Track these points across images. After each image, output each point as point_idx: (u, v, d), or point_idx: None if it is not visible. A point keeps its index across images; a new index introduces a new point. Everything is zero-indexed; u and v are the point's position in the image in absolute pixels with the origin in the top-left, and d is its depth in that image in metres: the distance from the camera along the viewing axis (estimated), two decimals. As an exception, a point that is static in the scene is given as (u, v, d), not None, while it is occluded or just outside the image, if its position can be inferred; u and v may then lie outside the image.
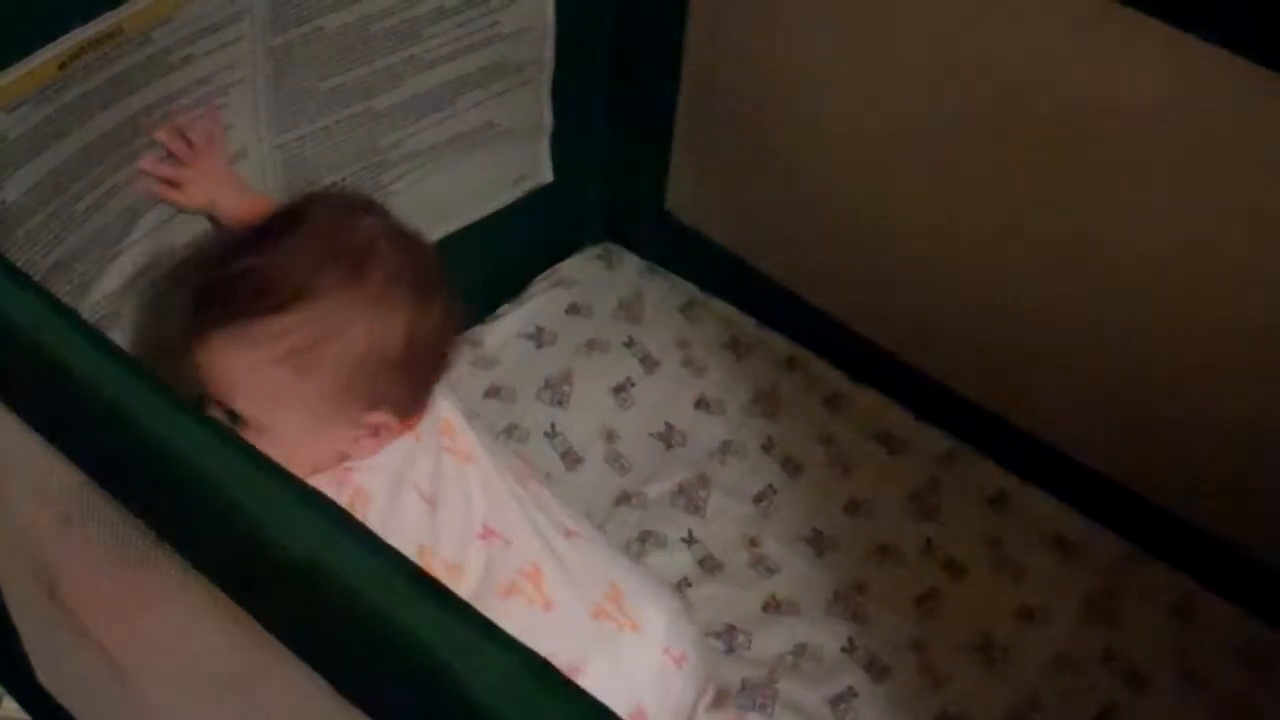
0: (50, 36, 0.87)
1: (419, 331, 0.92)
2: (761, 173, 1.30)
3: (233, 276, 0.90)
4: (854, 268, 1.27)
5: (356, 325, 0.89)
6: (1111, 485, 1.19)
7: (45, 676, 1.02)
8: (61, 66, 0.88)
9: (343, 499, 0.89)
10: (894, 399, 1.30)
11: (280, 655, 0.58)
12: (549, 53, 1.26)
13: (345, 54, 1.08)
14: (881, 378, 1.30)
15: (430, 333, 0.93)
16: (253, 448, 0.56)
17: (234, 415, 0.90)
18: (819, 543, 1.21)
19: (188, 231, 1.06)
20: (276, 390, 0.89)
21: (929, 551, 1.21)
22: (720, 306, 1.38)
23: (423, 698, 0.50)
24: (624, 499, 1.23)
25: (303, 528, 0.53)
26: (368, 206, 0.96)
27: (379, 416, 0.92)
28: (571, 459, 1.25)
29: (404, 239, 0.94)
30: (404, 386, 0.93)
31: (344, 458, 0.92)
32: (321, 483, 0.87)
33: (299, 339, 0.88)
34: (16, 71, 0.86)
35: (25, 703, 1.10)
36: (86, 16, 0.88)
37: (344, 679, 0.55)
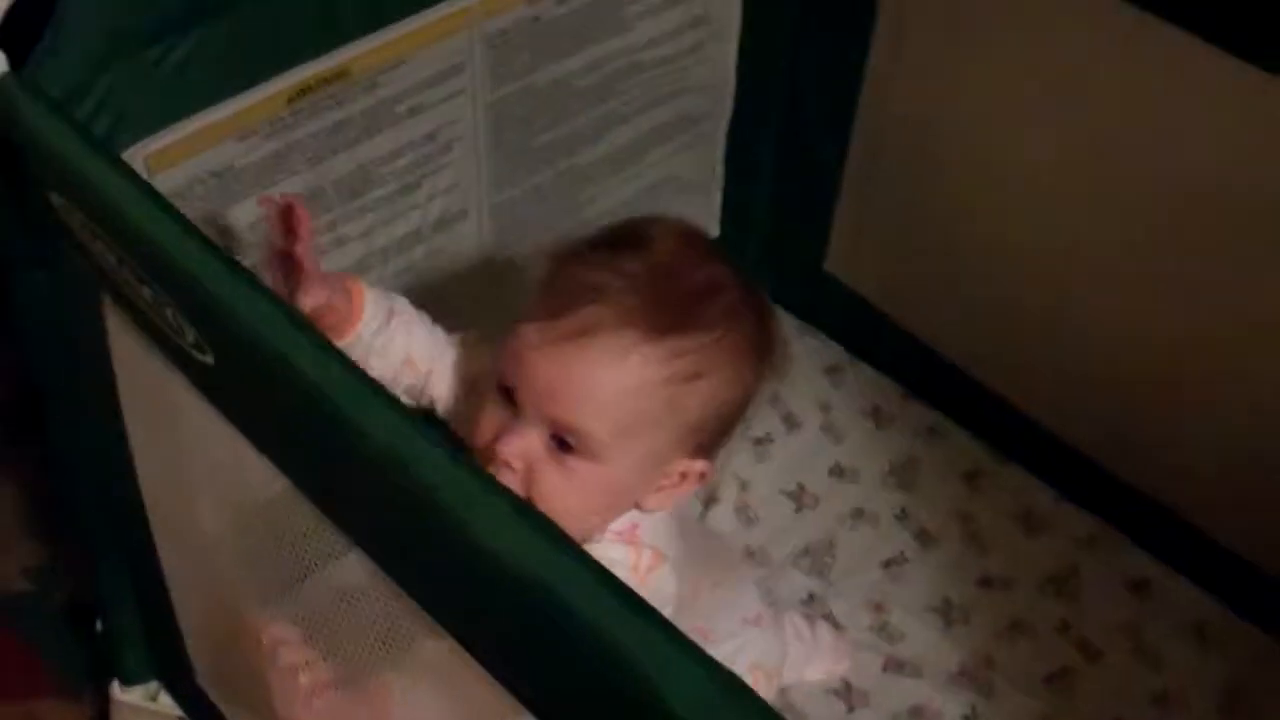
0: (279, 69, 0.99)
1: (754, 390, 0.94)
2: (922, 239, 1.39)
3: (632, 288, 0.87)
4: (1008, 338, 1.36)
5: (726, 368, 0.90)
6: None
7: (205, 680, 1.12)
8: (290, 101, 1.00)
9: (643, 562, 0.91)
10: (1037, 476, 1.38)
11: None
12: (727, 106, 1.37)
13: (553, 110, 1.20)
14: (1026, 452, 1.38)
15: (756, 392, 0.95)
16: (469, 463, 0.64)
17: (562, 441, 0.87)
18: (948, 612, 1.29)
19: (408, 282, 1.18)
20: (642, 417, 0.87)
21: (1064, 632, 1.28)
22: (865, 372, 1.49)
23: (620, 708, 0.58)
24: (747, 553, 1.34)
25: (531, 550, 0.60)
26: (712, 249, 0.97)
27: (698, 465, 0.92)
28: (706, 499, 1.36)
29: (755, 290, 0.96)
30: (720, 444, 0.95)
31: (637, 507, 0.92)
32: (611, 546, 0.90)
33: (686, 366, 0.87)
34: (247, 100, 0.99)
35: (183, 701, 1.19)
36: (316, 52, 1.00)
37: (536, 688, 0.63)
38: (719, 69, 1.33)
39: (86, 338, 0.90)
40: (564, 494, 0.85)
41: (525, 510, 0.61)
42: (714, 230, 1.46)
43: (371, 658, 0.76)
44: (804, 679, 1.25)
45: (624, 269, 0.88)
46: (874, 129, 1.37)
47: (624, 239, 0.92)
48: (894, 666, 1.27)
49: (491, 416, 0.89)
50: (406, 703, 0.81)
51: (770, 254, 1.50)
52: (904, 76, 1.32)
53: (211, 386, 0.76)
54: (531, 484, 0.86)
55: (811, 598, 1.31)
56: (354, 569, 0.73)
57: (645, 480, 0.90)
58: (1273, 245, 1.13)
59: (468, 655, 0.67)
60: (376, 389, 0.65)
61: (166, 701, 1.19)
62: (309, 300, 0.90)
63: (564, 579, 0.59)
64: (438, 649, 0.70)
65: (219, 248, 0.71)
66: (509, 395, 0.88)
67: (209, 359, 0.74)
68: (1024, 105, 1.24)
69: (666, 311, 0.87)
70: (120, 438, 0.95)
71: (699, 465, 0.92)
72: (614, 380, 0.85)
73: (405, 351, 0.96)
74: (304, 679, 0.81)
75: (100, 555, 1.09)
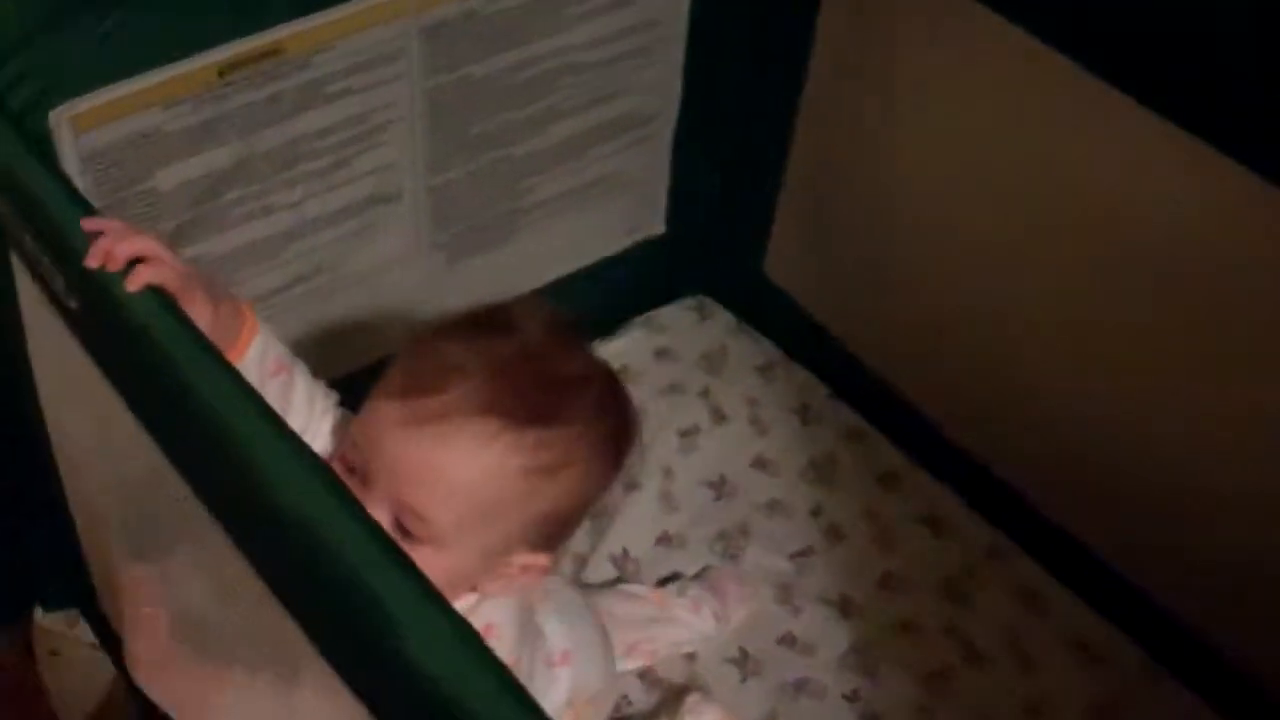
0: (210, 43, 1.02)
1: (608, 484, 0.93)
2: (855, 252, 1.42)
3: (496, 372, 0.84)
4: (930, 350, 1.39)
5: (585, 463, 0.88)
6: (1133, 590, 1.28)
7: (104, 603, 1.15)
8: (221, 74, 1.03)
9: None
10: (947, 484, 1.40)
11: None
12: (674, 109, 1.39)
13: (490, 101, 1.22)
14: (938, 461, 1.41)
15: (610, 486, 0.93)
16: (283, 424, 0.67)
17: (403, 528, 0.83)
18: (845, 606, 1.31)
19: (340, 253, 1.21)
20: (493, 507, 0.84)
21: (950, 634, 1.29)
22: (797, 372, 1.50)
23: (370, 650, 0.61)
24: (664, 539, 1.36)
25: (303, 489, 0.64)
26: (580, 338, 0.95)
27: (541, 559, 0.90)
28: (630, 486, 1.39)
29: (621, 388, 0.94)
30: (567, 536, 0.93)
31: (474, 590, 0.89)
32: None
33: (547, 458, 0.85)
34: (177, 70, 1.01)
35: (94, 626, 1.22)
36: (248, 29, 1.03)
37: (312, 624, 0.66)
38: (666, 72, 1.35)
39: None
40: None
41: (316, 464, 0.65)
42: (659, 228, 1.48)
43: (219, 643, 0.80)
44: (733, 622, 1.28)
45: (489, 351, 0.85)
46: (814, 145, 1.39)
47: (491, 321, 0.90)
48: (788, 641, 1.29)
49: None
50: (237, 698, 0.82)
51: (712, 253, 1.52)
52: (851, 88, 1.34)
53: (81, 332, 0.80)
54: None
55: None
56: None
57: (484, 569, 0.88)
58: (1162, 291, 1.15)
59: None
60: (209, 348, 0.69)
61: (85, 629, 1.23)
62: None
63: (338, 527, 0.63)
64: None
65: (81, 197, 0.75)
66: (353, 468, 0.85)
67: (74, 304, 0.77)
68: (959, 132, 1.27)
69: (531, 400, 0.84)
70: (28, 378, 0.99)
71: (541, 559, 0.90)
72: (472, 469, 0.83)
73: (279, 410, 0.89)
74: (147, 612, 0.84)
75: (19, 482, 1.13)
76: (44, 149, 0.95)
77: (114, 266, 0.72)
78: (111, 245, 0.72)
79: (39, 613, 1.24)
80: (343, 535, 0.62)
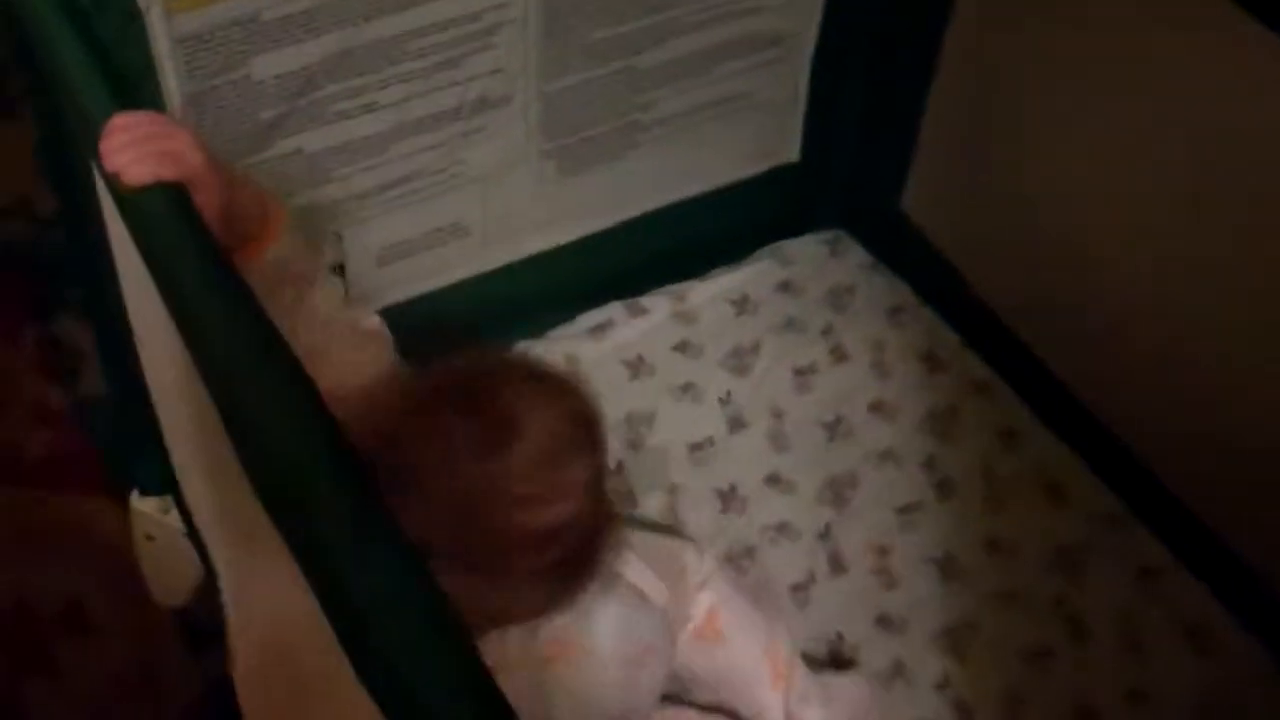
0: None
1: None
2: (999, 190, 1.33)
3: (466, 507, 0.80)
4: (1066, 307, 1.29)
5: (511, 603, 0.85)
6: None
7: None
8: (323, -39, 0.99)
9: None
10: (1073, 448, 1.30)
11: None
12: (813, 30, 1.31)
13: (613, 7, 1.16)
14: (1066, 423, 1.31)
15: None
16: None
17: None
18: (949, 567, 1.24)
19: (443, 157, 1.16)
20: None
21: (1057, 608, 1.21)
22: (927, 317, 1.42)
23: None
24: (774, 479, 1.29)
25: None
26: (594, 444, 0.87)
27: None
28: (736, 425, 1.32)
29: (603, 526, 0.87)
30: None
31: None
32: None
33: (475, 597, 0.75)
34: (278, -45, 0.98)
35: (183, 515, 1.22)
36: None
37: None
38: (805, -9, 1.27)
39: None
40: None
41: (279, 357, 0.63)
42: (793, 155, 1.41)
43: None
44: None
45: (470, 468, 0.80)
46: (959, 77, 1.30)
47: (494, 419, 0.82)
48: (883, 621, 1.22)
49: None
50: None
51: (848, 185, 1.44)
52: (992, 29, 1.25)
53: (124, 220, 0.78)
54: None
55: (828, 529, 1.27)
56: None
57: None
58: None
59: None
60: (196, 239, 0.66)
61: (176, 516, 1.23)
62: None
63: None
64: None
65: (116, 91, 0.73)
66: None
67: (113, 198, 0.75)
68: (1110, 81, 1.16)
69: (480, 555, 0.80)
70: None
71: None
72: None
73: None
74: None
75: (115, 372, 1.14)
76: (136, 31, 0.94)
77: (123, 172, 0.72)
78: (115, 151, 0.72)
79: (135, 495, 1.25)
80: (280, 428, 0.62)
